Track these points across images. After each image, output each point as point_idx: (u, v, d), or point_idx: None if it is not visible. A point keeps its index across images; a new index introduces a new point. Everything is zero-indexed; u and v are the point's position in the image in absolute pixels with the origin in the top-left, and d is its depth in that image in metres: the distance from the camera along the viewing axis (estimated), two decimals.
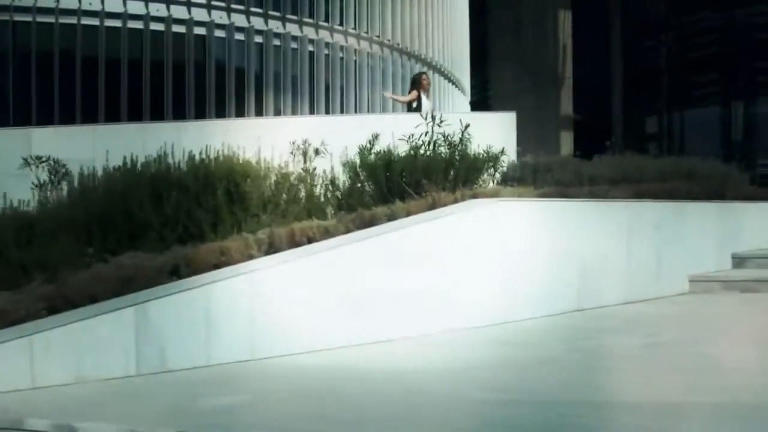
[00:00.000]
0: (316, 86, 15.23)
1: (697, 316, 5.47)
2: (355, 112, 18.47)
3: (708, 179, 7.78)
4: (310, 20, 15.73)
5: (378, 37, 19.28)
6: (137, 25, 12.67)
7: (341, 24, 16.69)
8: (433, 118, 7.57)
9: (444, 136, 7.58)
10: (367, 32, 17.86)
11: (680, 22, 20.75)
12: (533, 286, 5.25)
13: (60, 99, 12.31)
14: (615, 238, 5.99)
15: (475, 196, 5.26)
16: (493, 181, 7.93)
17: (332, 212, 5.86)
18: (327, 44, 15.88)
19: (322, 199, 6.12)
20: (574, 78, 20.61)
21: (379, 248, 4.44)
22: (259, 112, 14.23)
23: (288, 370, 3.72)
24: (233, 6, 13.76)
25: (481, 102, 24.47)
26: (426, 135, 7.35)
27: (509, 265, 5.11)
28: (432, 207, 4.99)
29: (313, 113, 15.60)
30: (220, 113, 12.73)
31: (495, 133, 9.11)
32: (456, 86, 23.88)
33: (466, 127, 7.49)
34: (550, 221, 5.57)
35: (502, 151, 7.94)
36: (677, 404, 2.98)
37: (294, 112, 15.38)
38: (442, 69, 22.83)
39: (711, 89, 20.59)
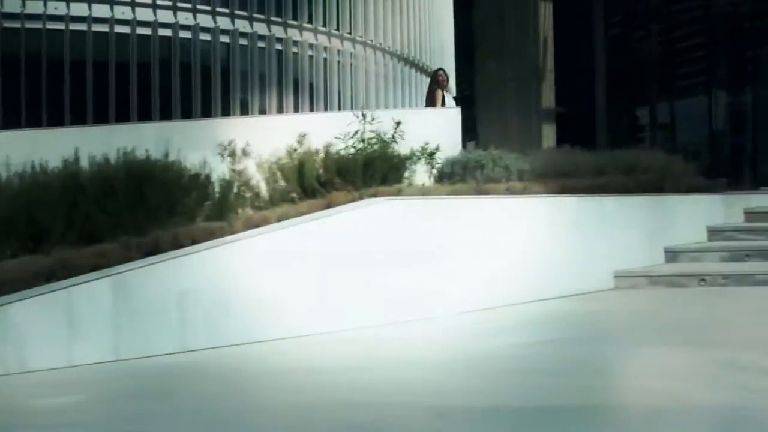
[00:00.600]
0: (285, 85, 15.21)
1: (605, 314, 5.43)
2: (339, 110, 18.56)
3: (647, 172, 7.73)
4: (289, 21, 15.71)
5: (361, 37, 19.28)
6: (103, 28, 12.72)
7: (325, 25, 16.68)
8: (363, 116, 7.58)
9: (378, 135, 7.60)
10: (350, 33, 17.84)
11: (666, 12, 20.57)
12: (435, 285, 5.22)
13: (26, 102, 12.39)
14: (531, 234, 5.96)
15: (375, 195, 5.22)
16: (430, 178, 7.93)
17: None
18: (311, 45, 15.89)
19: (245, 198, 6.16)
20: (556, 70, 20.40)
21: (252, 250, 4.45)
22: (244, 111, 14.28)
23: (143, 370, 3.75)
24: (199, 6, 13.75)
25: (466, 97, 24.36)
26: (357, 133, 7.38)
27: (402, 266, 5.08)
28: (327, 207, 4.98)
29: (299, 111, 15.61)
30: (186, 114, 12.75)
31: (440, 129, 9.10)
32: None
33: (398, 124, 7.51)
34: (454, 218, 5.55)
35: (437, 148, 7.95)
36: (484, 408, 2.96)
37: (280, 111, 15.39)
38: (427, 68, 22.79)
39: (693, 80, 20.38)
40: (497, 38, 22.56)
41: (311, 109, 14.87)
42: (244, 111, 13.96)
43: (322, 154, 6.34)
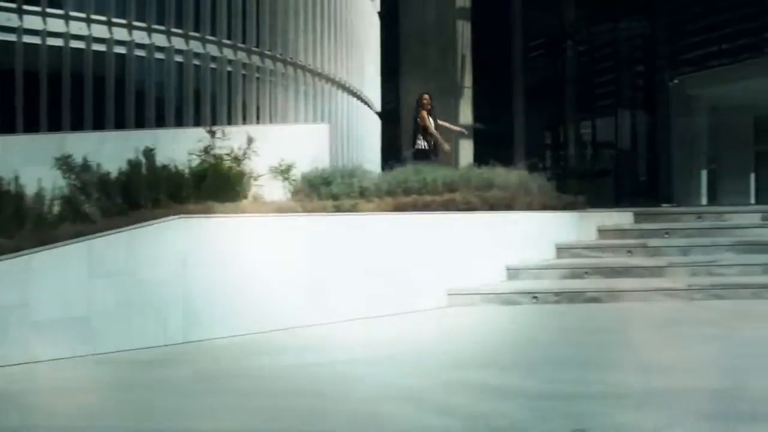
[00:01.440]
0: (186, 98, 14.94)
1: (412, 333, 5.35)
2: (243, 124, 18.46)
3: (504, 190, 7.77)
4: (191, 33, 15.50)
5: (281, 55, 19.13)
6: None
7: (243, 41, 16.53)
8: (212, 132, 7.46)
9: (230, 151, 7.49)
10: (257, 46, 17.67)
11: (579, 34, 21.09)
12: (204, 305, 5.10)
13: None
14: (362, 251, 5.89)
15: (167, 214, 5.06)
16: (289, 193, 7.84)
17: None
18: (224, 60, 15.72)
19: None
20: (475, 88, 20.67)
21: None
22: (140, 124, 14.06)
23: None
24: (93, 17, 13.53)
25: (391, 112, 24.53)
26: (206, 151, 7.28)
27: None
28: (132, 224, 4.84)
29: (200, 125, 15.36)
30: (77, 126, 12.44)
31: (306, 145, 9.04)
32: (366, 104, 23.89)
33: (250, 141, 7.42)
34: (276, 237, 5.46)
35: (291, 166, 7.87)
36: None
37: (179, 124, 15.14)
38: (351, 88, 22.80)
39: (603, 101, 20.93)
40: (420, 56, 22.75)
41: (213, 122, 14.64)
42: (140, 124, 13.68)
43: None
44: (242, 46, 17.25)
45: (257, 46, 17.91)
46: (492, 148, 22.11)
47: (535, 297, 6.35)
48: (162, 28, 14.88)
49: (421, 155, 9.35)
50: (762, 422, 2.89)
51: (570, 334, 5.14)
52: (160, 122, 14.49)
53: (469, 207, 7.15)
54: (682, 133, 17.42)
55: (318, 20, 21.41)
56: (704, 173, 17.68)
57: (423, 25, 22.26)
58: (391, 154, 23.27)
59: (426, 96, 9.89)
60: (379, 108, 24.59)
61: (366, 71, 24.24)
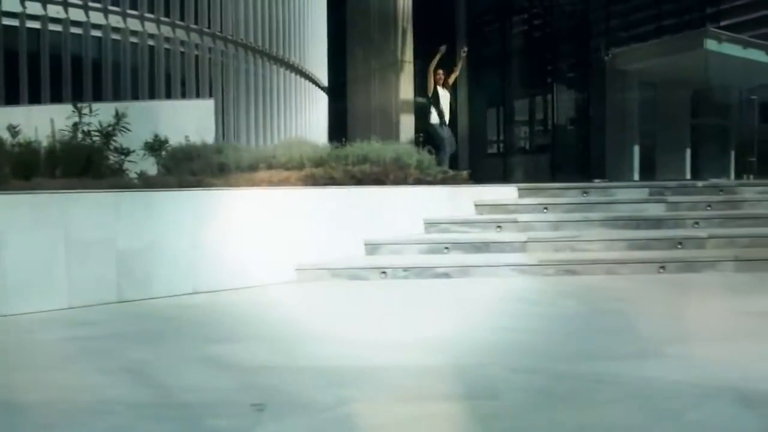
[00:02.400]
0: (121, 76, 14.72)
1: (239, 306, 5.23)
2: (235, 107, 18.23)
3: (376, 165, 7.68)
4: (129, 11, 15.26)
5: (232, 36, 18.86)
6: None
7: (196, 22, 16.27)
8: (78, 109, 7.29)
9: (100, 127, 7.37)
10: (220, 30, 17.42)
11: (521, 9, 20.89)
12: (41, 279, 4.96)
13: None
14: (179, 226, 5.71)
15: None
16: (159, 170, 7.70)
17: None
18: (151, 35, 15.45)
19: None
20: (416, 63, 20.44)
21: None
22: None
23: None
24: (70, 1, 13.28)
25: (338, 87, 24.31)
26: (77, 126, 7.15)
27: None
28: None
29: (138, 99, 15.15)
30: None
31: (191, 120, 8.89)
32: (313, 82, 23.66)
33: (120, 117, 7.29)
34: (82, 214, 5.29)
35: (164, 141, 7.71)
36: None
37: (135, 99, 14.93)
38: (298, 67, 22.54)
39: (542, 77, 20.76)
40: (364, 30, 22.47)
41: (135, 97, 14.41)
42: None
43: None
44: (180, 23, 17.00)
45: (195, 24, 17.65)
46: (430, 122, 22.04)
47: (384, 272, 6.28)
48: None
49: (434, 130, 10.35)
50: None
51: (368, 308, 5.06)
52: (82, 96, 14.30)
53: (332, 182, 7.07)
54: (616, 109, 17.37)
55: (275, 3, 21.15)
56: (636, 149, 17.68)
57: (366, 1, 21.95)
58: (339, 128, 23.09)
59: (440, 73, 10.53)
60: (325, 83, 24.34)
61: (310, 47, 23.90)
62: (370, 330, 4.26)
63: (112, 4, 14.67)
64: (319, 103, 24.20)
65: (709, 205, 8.34)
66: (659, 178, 17.50)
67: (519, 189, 8.48)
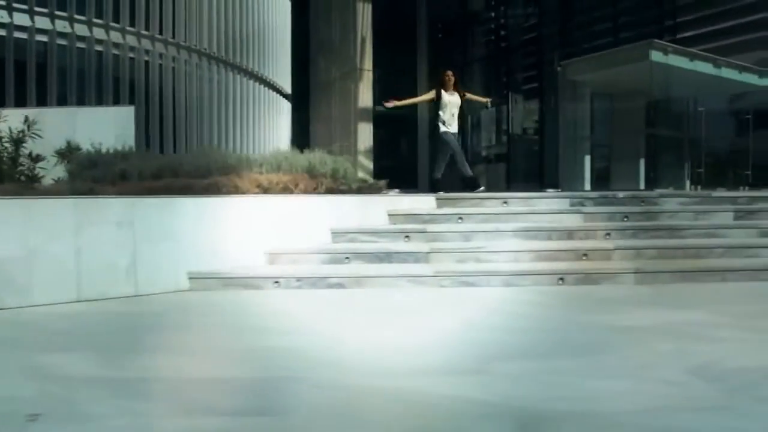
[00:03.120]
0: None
1: (104, 315, 5.17)
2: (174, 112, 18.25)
3: (287, 173, 7.64)
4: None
5: (196, 45, 18.80)
6: None
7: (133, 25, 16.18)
8: None
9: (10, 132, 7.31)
10: (184, 40, 17.37)
11: (480, 19, 21.01)
12: None
13: None
14: (59, 234, 5.62)
15: None
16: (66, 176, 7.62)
17: None
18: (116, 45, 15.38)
19: None
20: (375, 71, 20.51)
21: None
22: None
23: None
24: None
25: (301, 96, 24.29)
26: None
27: None
28: None
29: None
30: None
31: (109, 128, 8.80)
32: (277, 91, 23.65)
33: (30, 124, 7.24)
34: None
35: (75, 148, 7.66)
36: None
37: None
38: (261, 75, 22.53)
39: (499, 86, 20.91)
40: (326, 39, 22.52)
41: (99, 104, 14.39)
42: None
43: None
44: (130, 29, 16.90)
45: (147, 30, 17.57)
46: (393, 131, 22.08)
47: (277, 282, 6.25)
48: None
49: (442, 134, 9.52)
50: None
51: (230, 319, 5.03)
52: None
53: (237, 190, 7.02)
54: (568, 119, 17.49)
55: (217, 4, 21.04)
56: (588, 158, 17.79)
57: (328, 8, 22.00)
58: (301, 136, 23.05)
59: (448, 72, 9.76)
60: (288, 90, 24.32)
61: (274, 56, 23.84)
62: (206, 341, 4.22)
63: (59, 9, 14.63)
64: (283, 112, 24.20)
65: (626, 216, 8.36)
66: (613, 187, 17.62)
67: (437, 199, 8.46)
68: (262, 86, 21.46)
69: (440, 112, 9.49)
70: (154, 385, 3.18)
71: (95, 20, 14.67)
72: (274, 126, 22.70)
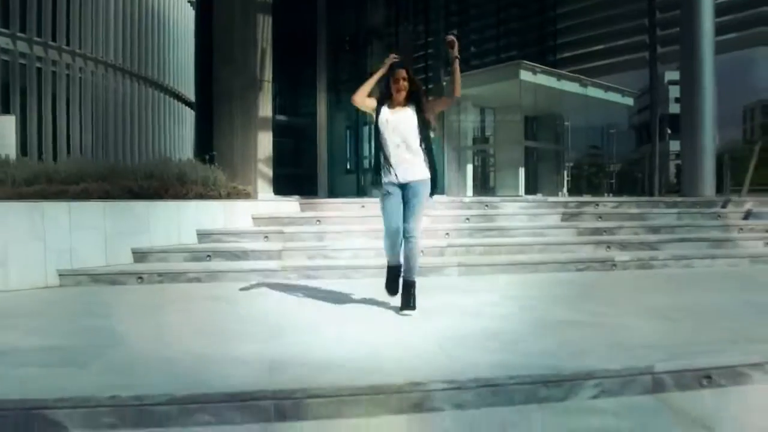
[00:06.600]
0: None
1: None
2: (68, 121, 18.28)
3: (159, 180, 8.41)
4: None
5: (93, 54, 18.99)
6: None
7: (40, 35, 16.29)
8: None
9: None
10: (67, 44, 17.56)
11: (378, 32, 22.17)
12: None
13: None
14: None
15: None
16: None
17: None
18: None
19: None
20: (275, 82, 21.23)
21: None
22: None
23: None
24: None
25: (204, 105, 24.71)
26: None
27: None
28: None
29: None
30: None
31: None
32: (181, 100, 24.02)
33: None
34: None
35: None
36: None
37: None
38: (164, 84, 22.86)
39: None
40: (228, 49, 23.10)
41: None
42: None
43: None
44: (22, 35, 17.10)
45: (39, 36, 17.77)
46: (293, 140, 22.92)
47: (140, 277, 7.02)
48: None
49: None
50: None
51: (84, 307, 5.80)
52: None
53: (107, 195, 7.74)
54: (452, 130, 18.85)
55: (114, 12, 21.38)
56: (470, 167, 19.22)
57: (231, 20, 22.62)
58: (204, 144, 23.55)
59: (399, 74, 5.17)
60: (192, 99, 24.87)
61: (174, 63, 24.38)
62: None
63: None
64: (187, 121, 24.60)
65: (468, 219, 9.57)
66: (494, 194, 19.09)
67: (300, 203, 9.42)
68: (163, 94, 21.88)
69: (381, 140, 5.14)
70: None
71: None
72: (177, 134, 23.21)
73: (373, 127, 5.11)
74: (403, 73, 5.05)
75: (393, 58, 5.04)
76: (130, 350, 4.05)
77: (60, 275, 6.90)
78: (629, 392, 3.57)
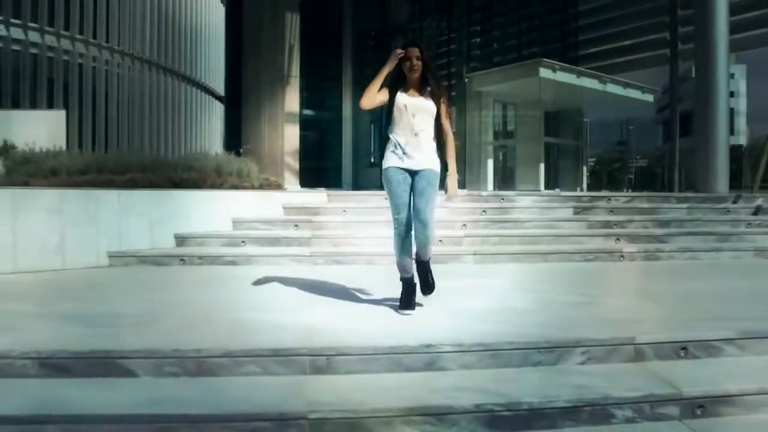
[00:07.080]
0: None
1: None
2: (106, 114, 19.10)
3: (198, 172, 9.10)
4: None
5: (130, 50, 19.73)
6: None
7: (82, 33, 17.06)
8: None
9: None
10: (106, 41, 18.35)
11: (402, 29, 22.72)
12: None
13: None
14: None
15: None
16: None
17: None
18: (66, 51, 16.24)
19: None
20: (302, 77, 21.90)
21: None
22: None
23: None
24: None
25: (234, 99, 25.51)
26: None
27: None
28: None
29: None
30: None
31: (42, 130, 10.09)
32: (211, 94, 24.79)
33: None
34: None
35: (10, 146, 8.87)
36: None
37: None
38: (194, 78, 23.60)
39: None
40: (256, 45, 23.82)
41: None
42: None
43: None
44: (65, 33, 17.91)
45: (81, 34, 18.59)
46: (318, 134, 23.62)
47: (182, 260, 7.71)
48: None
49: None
50: None
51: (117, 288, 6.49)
52: None
53: (152, 185, 8.44)
54: (474, 125, 19.38)
55: (146, 6, 22.15)
56: (491, 162, 19.74)
57: (261, 16, 23.33)
58: (234, 137, 24.38)
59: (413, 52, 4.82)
60: (222, 93, 25.65)
61: (205, 58, 25.18)
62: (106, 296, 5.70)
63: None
64: (216, 114, 25.40)
65: (484, 211, 10.13)
66: (516, 188, 19.58)
67: (328, 195, 10.05)
68: (195, 89, 22.67)
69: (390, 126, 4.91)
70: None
71: (31, 24, 15.68)
72: (207, 127, 24.04)
73: (385, 111, 4.81)
74: (416, 51, 4.76)
75: (398, 54, 4.75)
76: (186, 316, 4.72)
77: (110, 256, 7.62)
78: (613, 360, 4.14)
